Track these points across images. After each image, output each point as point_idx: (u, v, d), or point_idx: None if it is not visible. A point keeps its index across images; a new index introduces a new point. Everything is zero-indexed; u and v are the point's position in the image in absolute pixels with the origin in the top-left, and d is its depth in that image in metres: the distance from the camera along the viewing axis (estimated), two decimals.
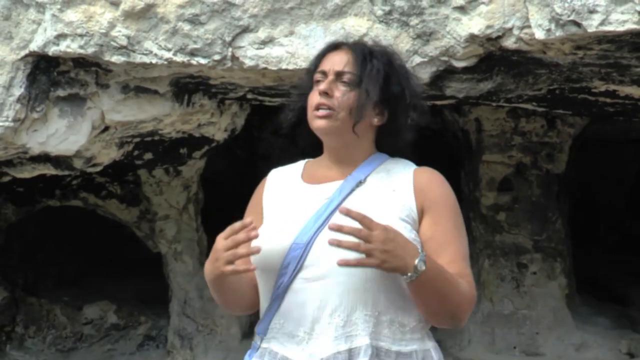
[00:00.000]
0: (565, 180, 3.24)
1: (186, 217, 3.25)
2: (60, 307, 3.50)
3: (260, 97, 2.45)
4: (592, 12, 1.67)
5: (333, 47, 1.19)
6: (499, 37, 1.84)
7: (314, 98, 1.15)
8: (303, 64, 1.93)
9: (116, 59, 2.01)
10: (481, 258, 3.19)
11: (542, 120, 3.14)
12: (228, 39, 1.96)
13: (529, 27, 1.78)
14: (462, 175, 3.30)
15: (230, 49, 1.97)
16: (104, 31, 1.98)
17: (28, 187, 3.14)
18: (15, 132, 2.13)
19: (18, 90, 2.07)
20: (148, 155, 2.73)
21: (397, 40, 1.85)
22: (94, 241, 3.87)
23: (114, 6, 1.97)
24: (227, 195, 3.89)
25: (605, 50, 1.83)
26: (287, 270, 1.09)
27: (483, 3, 1.83)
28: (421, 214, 1.12)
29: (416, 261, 1.02)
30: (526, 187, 3.18)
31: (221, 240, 1.07)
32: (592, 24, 1.67)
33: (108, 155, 2.47)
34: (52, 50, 2.02)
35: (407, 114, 1.16)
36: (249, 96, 2.43)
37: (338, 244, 1.00)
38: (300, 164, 1.23)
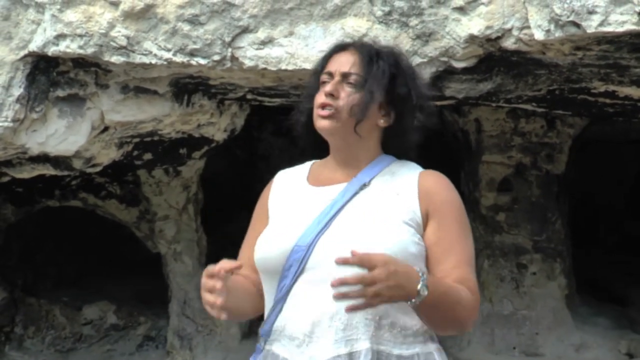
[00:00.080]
0: (565, 180, 3.24)
1: (186, 218, 3.25)
2: (60, 307, 3.50)
3: (259, 98, 2.45)
4: (591, 12, 1.67)
5: (340, 47, 1.19)
6: (498, 38, 1.84)
7: (320, 99, 1.15)
8: (303, 64, 1.93)
9: (116, 59, 2.01)
10: (481, 258, 3.19)
11: (541, 120, 3.14)
12: (228, 39, 1.96)
13: (529, 27, 1.78)
14: (461, 176, 3.30)
15: (229, 50, 1.97)
16: (103, 31, 1.98)
17: (27, 188, 3.14)
18: (15, 132, 2.13)
19: (17, 91, 2.07)
20: (147, 156, 2.73)
21: (397, 41, 1.85)
22: (93, 241, 3.87)
23: (114, 6, 1.97)
24: (227, 196, 3.89)
25: (604, 50, 1.83)
26: (289, 272, 1.09)
27: (482, 4, 1.83)
28: (426, 218, 1.11)
29: (419, 286, 1.01)
30: (526, 188, 3.18)
31: (204, 279, 1.08)
32: (592, 25, 1.67)
33: (107, 155, 2.47)
34: (51, 50, 2.02)
35: (414, 116, 1.15)
36: (249, 96, 2.43)
37: (344, 297, 0.99)
38: (307, 166, 1.23)
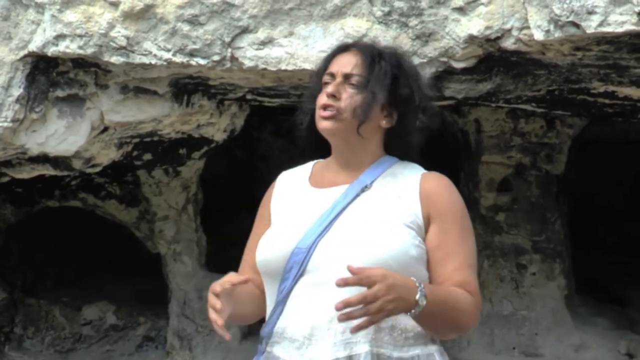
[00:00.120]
0: (564, 181, 3.24)
1: (185, 218, 3.25)
2: (59, 307, 3.50)
3: (259, 98, 2.45)
4: (590, 13, 1.67)
5: (342, 48, 1.19)
6: (498, 38, 1.84)
7: (321, 100, 1.15)
8: (302, 64, 1.93)
9: (115, 59, 2.01)
10: (480, 259, 3.19)
11: (541, 121, 3.14)
12: (227, 39, 1.96)
13: (528, 28, 1.78)
14: (461, 176, 3.30)
15: (229, 50, 1.97)
16: (103, 32, 1.98)
17: (27, 188, 3.13)
18: (14, 132, 2.13)
19: (17, 91, 2.07)
20: (147, 156, 2.73)
21: (396, 41, 1.85)
22: (93, 242, 3.86)
23: (113, 7, 1.97)
24: (227, 196, 3.89)
25: (604, 51, 1.83)
26: (289, 274, 1.09)
27: (482, 4, 1.83)
28: (427, 220, 1.11)
29: (417, 296, 1.02)
30: (525, 188, 3.18)
31: (209, 295, 1.08)
32: (591, 25, 1.67)
33: (107, 155, 2.47)
34: (51, 50, 2.02)
35: (416, 117, 1.15)
36: (248, 97, 2.43)
37: (348, 319, 1.00)
38: (309, 166, 1.23)
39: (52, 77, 2.14)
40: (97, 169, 2.56)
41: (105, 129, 2.32)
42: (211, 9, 1.95)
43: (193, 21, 1.96)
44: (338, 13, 1.91)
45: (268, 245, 1.14)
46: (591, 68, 1.99)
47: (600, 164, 4.17)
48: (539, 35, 1.76)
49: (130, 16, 1.97)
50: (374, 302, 0.99)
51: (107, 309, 3.54)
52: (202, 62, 1.99)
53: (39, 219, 3.51)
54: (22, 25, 2.05)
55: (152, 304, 3.56)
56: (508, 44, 1.84)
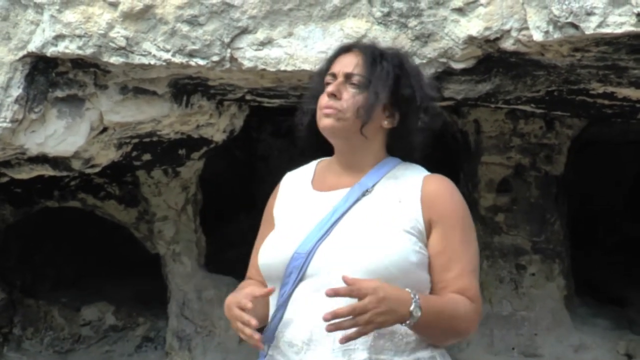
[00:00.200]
0: (563, 181, 3.24)
1: (185, 218, 3.25)
2: (58, 308, 3.50)
3: (259, 99, 2.45)
4: (589, 14, 1.67)
5: (344, 49, 1.19)
6: (497, 39, 1.85)
7: (323, 100, 1.15)
8: (302, 65, 1.93)
9: (115, 60, 2.01)
10: (480, 259, 3.17)
11: (540, 121, 3.14)
12: (227, 40, 1.96)
13: (527, 29, 1.79)
14: (460, 177, 3.30)
15: (229, 50, 1.97)
16: (102, 32, 1.98)
17: (26, 188, 3.13)
18: (13, 133, 2.13)
19: (16, 91, 2.07)
20: (146, 156, 2.73)
21: (396, 42, 1.85)
22: (92, 242, 3.86)
23: (113, 7, 1.97)
24: (226, 197, 3.88)
25: (603, 52, 1.84)
26: (289, 279, 1.10)
27: (481, 5, 1.83)
28: (429, 225, 1.11)
29: (411, 308, 1.02)
30: (525, 189, 3.18)
31: (234, 308, 1.08)
32: (590, 26, 1.67)
33: (106, 156, 2.47)
34: (50, 51, 2.02)
35: (418, 117, 1.15)
36: (248, 97, 2.43)
37: (337, 329, 1.00)
38: (312, 167, 1.22)
39: (51, 78, 2.14)
40: (97, 170, 2.56)
41: (105, 129, 2.32)
42: (210, 10, 1.95)
43: (192, 22, 1.96)
44: (337, 14, 1.91)
45: (269, 250, 1.15)
46: (590, 69, 1.99)
47: (599, 164, 4.17)
48: (538, 36, 1.76)
49: (130, 16, 1.97)
50: (363, 314, 0.99)
51: (107, 309, 3.53)
52: (201, 62, 1.99)
53: (38, 219, 3.50)
54: (21, 25, 2.05)
55: (152, 304, 3.56)
56: (507, 44, 1.84)
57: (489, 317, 3.14)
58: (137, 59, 2.00)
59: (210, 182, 3.47)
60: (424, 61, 1.89)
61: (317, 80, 1.20)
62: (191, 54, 1.98)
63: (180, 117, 2.43)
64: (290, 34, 1.93)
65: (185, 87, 2.32)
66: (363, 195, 1.13)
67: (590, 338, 3.11)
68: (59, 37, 2.00)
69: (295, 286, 1.09)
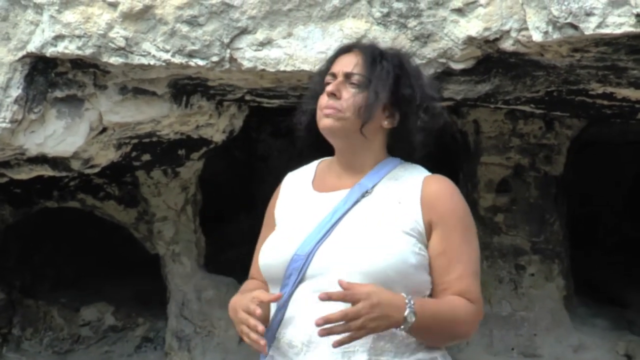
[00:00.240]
0: (563, 182, 3.25)
1: (184, 219, 3.25)
2: (58, 308, 3.49)
3: (258, 99, 2.45)
4: (589, 14, 1.67)
5: (344, 49, 1.19)
6: (496, 40, 1.85)
7: (323, 100, 1.15)
8: (301, 65, 1.94)
9: (114, 60, 2.01)
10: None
11: (540, 122, 3.14)
12: (226, 40, 1.96)
13: (527, 29, 1.79)
14: (460, 177, 3.31)
15: (228, 51, 1.97)
16: (102, 32, 1.98)
17: (25, 189, 3.13)
18: (13, 133, 2.13)
19: (15, 92, 2.06)
20: (146, 157, 2.73)
21: (395, 42, 1.85)
22: (91, 243, 3.86)
23: (112, 7, 1.97)
24: (226, 197, 3.88)
25: (602, 52, 1.84)
26: (289, 281, 1.10)
27: (481, 5, 1.84)
28: (429, 227, 1.10)
29: (406, 313, 1.02)
30: (524, 189, 3.18)
31: (241, 312, 1.08)
32: (589, 27, 1.68)
33: (106, 156, 2.47)
34: (49, 51, 2.02)
35: (418, 117, 1.14)
36: (247, 97, 2.43)
37: (329, 334, 1.01)
38: (313, 167, 1.22)
39: (50, 78, 2.14)
40: (96, 170, 2.56)
41: (104, 129, 2.32)
42: (210, 10, 1.95)
43: (192, 22, 1.96)
44: (337, 14, 1.91)
45: (269, 251, 1.15)
46: (589, 69, 1.99)
47: (598, 165, 4.17)
48: (537, 37, 1.76)
49: (129, 17, 1.97)
50: (355, 320, 1.00)
51: (106, 309, 3.53)
52: (201, 63, 1.99)
53: (37, 219, 3.50)
54: (20, 25, 2.05)
55: (151, 304, 3.55)
56: (507, 45, 1.84)
57: (488, 318, 3.14)
58: (136, 60, 2.00)
59: (209, 182, 3.47)
60: (424, 61, 1.89)
61: (318, 80, 1.20)
62: (191, 55, 1.98)
63: (180, 118, 2.43)
64: (289, 35, 1.94)
65: (185, 88, 2.32)
66: (363, 196, 1.12)
67: (590, 338, 3.11)
68: (59, 38, 2.00)
69: (295, 287, 1.09)
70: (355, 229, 1.10)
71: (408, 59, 1.19)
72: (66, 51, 2.01)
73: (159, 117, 2.35)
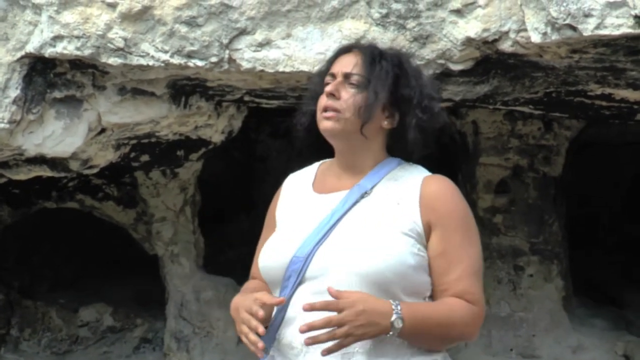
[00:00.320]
0: (561, 183, 3.25)
1: (183, 219, 3.25)
2: (56, 309, 3.49)
3: (257, 100, 2.45)
4: (587, 16, 1.67)
5: (344, 50, 1.19)
6: (495, 41, 1.85)
7: (322, 101, 1.15)
8: (300, 66, 1.94)
9: (113, 60, 2.00)
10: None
11: (538, 123, 3.15)
12: (225, 41, 1.96)
13: (525, 30, 1.79)
14: (459, 178, 3.31)
15: (227, 51, 1.97)
16: (100, 33, 1.98)
17: (24, 189, 3.13)
18: (11, 133, 2.12)
19: (14, 92, 2.06)
20: (145, 157, 2.73)
21: (394, 43, 1.85)
22: (90, 243, 3.86)
23: (111, 8, 1.97)
24: (224, 197, 3.88)
25: (600, 53, 1.84)
26: (288, 283, 1.10)
27: (480, 6, 1.84)
28: (428, 227, 1.10)
29: (392, 319, 1.02)
30: (523, 190, 3.18)
31: (243, 312, 1.08)
32: (588, 28, 1.68)
33: (104, 157, 2.47)
34: (48, 51, 2.02)
35: (418, 117, 1.14)
36: (246, 98, 2.43)
37: (314, 342, 1.01)
38: (314, 168, 1.22)
39: (49, 78, 2.13)
40: (95, 170, 2.56)
41: (103, 130, 2.32)
42: (209, 11, 1.95)
43: (191, 23, 1.96)
44: (336, 15, 1.91)
45: (268, 253, 1.15)
46: (588, 70, 2.00)
47: (597, 166, 4.17)
48: (536, 38, 1.76)
49: (128, 17, 1.97)
50: (340, 327, 1.00)
51: (104, 310, 3.53)
52: (199, 63, 1.99)
53: (36, 220, 3.50)
54: (19, 26, 2.05)
55: (150, 305, 3.55)
56: (505, 46, 1.84)
57: (487, 318, 3.10)
58: (135, 60, 2.00)
59: (208, 183, 3.47)
60: (422, 62, 1.89)
61: (317, 81, 1.20)
62: (189, 55, 1.98)
63: (179, 118, 2.43)
64: (288, 35, 1.94)
65: (184, 88, 2.32)
66: (362, 197, 1.12)
67: (589, 339, 3.11)
68: (57, 38, 2.00)
69: (295, 289, 1.09)
70: (354, 231, 1.09)
71: (408, 59, 1.19)
72: (65, 52, 2.01)
73: (157, 117, 2.35)
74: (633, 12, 1.65)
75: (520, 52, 1.87)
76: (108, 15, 1.97)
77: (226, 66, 1.99)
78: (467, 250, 1.10)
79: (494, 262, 3.20)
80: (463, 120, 3.17)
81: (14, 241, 3.54)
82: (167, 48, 1.98)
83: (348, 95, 1.13)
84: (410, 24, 1.88)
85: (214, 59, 1.98)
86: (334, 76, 1.16)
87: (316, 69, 1.59)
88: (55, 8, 1.99)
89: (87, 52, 2.00)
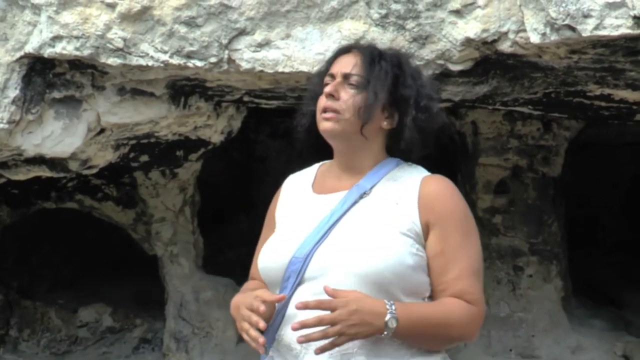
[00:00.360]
0: (561, 183, 3.25)
1: (182, 220, 3.25)
2: (55, 309, 3.49)
3: (256, 100, 2.45)
4: (586, 16, 1.68)
5: (343, 50, 1.19)
6: (494, 41, 1.85)
7: (322, 102, 1.15)
8: (299, 66, 1.94)
9: (112, 61, 2.00)
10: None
11: (538, 123, 3.15)
12: (224, 41, 1.96)
13: (524, 31, 1.79)
14: (458, 178, 3.31)
15: (226, 52, 1.97)
16: (100, 33, 1.98)
17: (23, 189, 3.13)
18: (10, 134, 2.12)
19: (13, 92, 2.06)
20: (144, 158, 2.73)
21: (393, 44, 1.86)
22: (89, 244, 3.85)
23: (110, 8, 1.97)
24: (224, 198, 3.88)
25: (599, 54, 1.84)
26: (287, 283, 1.10)
27: (479, 7, 1.84)
28: (426, 228, 1.09)
29: (386, 318, 1.02)
30: (522, 190, 3.19)
31: (244, 309, 1.08)
32: (587, 29, 1.68)
33: (104, 157, 2.47)
34: (47, 52, 2.02)
35: (418, 117, 1.14)
36: (246, 99, 2.43)
37: (307, 340, 1.01)
38: (314, 170, 1.22)
39: (48, 79, 2.13)
40: (94, 171, 2.56)
41: (102, 130, 2.32)
42: (208, 11, 1.95)
43: (190, 23, 1.96)
44: (335, 15, 1.91)
45: (268, 254, 1.15)
46: (587, 71, 2.00)
47: (596, 166, 4.18)
48: (535, 39, 1.76)
49: (127, 18, 1.97)
50: (333, 326, 1.00)
51: (104, 311, 3.53)
52: (199, 64, 1.99)
53: (35, 220, 3.50)
54: (18, 26, 2.05)
55: (149, 305, 3.55)
56: (505, 46, 1.84)
57: (486, 319, 3.09)
58: (134, 60, 2.00)
59: (208, 183, 3.47)
60: (422, 63, 1.89)
61: (317, 81, 1.20)
62: (189, 56, 1.98)
63: (178, 119, 2.43)
64: (288, 36, 1.94)
65: (183, 89, 2.32)
66: (361, 197, 1.12)
67: (588, 339, 3.11)
68: (57, 38, 2.00)
69: (294, 290, 1.09)
70: (352, 231, 1.09)
71: (407, 59, 1.19)
72: (64, 52, 2.01)
73: (157, 118, 2.35)
74: (632, 13, 1.65)
75: (519, 53, 1.87)
76: (107, 16, 1.97)
77: (225, 66, 1.99)
78: (466, 250, 1.10)
79: (493, 263, 3.20)
80: (462, 121, 3.18)
81: (13, 241, 3.54)
82: (166, 48, 1.98)
83: (347, 96, 1.13)
84: (410, 24, 1.88)
85: (213, 60, 1.98)
86: (333, 77, 1.16)
87: (315, 69, 1.60)
88: (55, 8, 1.99)
89: (86, 52, 2.00)
